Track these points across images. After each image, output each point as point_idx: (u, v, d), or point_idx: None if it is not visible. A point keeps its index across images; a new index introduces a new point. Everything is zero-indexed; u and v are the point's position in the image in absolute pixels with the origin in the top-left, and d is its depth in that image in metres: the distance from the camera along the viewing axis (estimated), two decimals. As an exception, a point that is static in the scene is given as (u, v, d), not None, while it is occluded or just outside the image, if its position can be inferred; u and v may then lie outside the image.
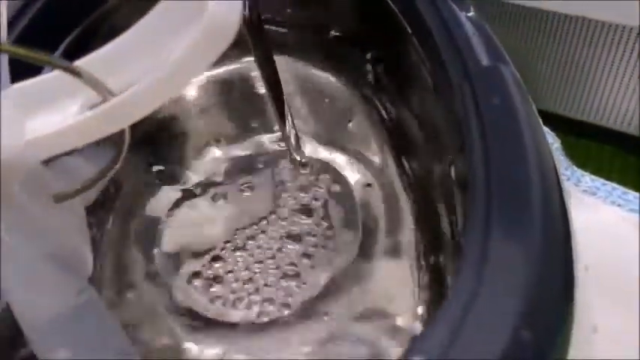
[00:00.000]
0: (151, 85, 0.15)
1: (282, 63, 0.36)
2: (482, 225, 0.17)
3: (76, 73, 0.16)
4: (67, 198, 0.19)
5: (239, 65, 0.36)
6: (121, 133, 0.18)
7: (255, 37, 0.25)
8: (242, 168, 0.35)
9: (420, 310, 0.28)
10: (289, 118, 0.28)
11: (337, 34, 0.35)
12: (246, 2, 0.24)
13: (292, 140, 0.29)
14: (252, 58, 0.29)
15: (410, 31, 0.27)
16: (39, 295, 0.18)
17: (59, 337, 0.19)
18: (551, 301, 0.17)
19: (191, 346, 0.29)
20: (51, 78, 0.17)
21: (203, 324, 0.29)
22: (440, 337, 0.15)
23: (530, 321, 0.15)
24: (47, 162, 0.23)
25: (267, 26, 0.35)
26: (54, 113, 0.17)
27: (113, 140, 0.19)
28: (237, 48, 0.35)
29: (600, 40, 0.38)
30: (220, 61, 0.36)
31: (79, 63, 0.17)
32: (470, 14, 0.25)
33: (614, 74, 0.39)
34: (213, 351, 0.29)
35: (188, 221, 0.33)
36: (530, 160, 0.18)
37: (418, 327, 0.28)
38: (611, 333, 0.30)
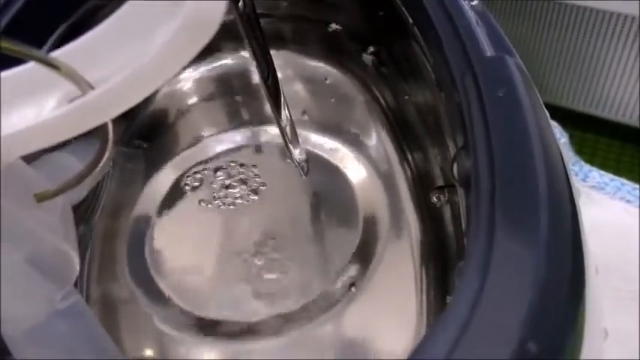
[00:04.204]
0: (131, 78, 0.14)
1: (283, 57, 0.35)
2: (486, 226, 0.16)
3: (53, 66, 0.15)
4: (49, 197, 0.18)
5: (235, 58, 0.35)
6: (105, 130, 0.18)
7: (249, 30, 0.24)
8: (237, 161, 0.34)
9: (425, 311, 0.27)
10: (286, 110, 0.27)
11: (338, 26, 0.35)
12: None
13: (289, 132, 0.28)
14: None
15: (411, 21, 0.26)
16: (18, 301, 0.18)
17: (41, 342, 0.18)
18: (559, 308, 0.15)
19: (177, 343, 0.28)
20: (27, 70, 0.16)
21: (195, 323, 0.29)
22: (440, 346, 0.14)
23: (536, 331, 0.14)
24: (34, 160, 0.23)
25: (265, 19, 0.35)
26: (31, 107, 0.16)
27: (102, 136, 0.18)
28: (233, 41, 0.35)
29: (608, 30, 0.37)
30: (216, 54, 0.36)
31: (57, 54, 0.16)
32: (474, 3, 0.24)
33: (621, 66, 0.38)
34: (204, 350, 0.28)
35: (179, 217, 0.32)
36: (537, 157, 0.17)
37: (422, 330, 0.27)
38: (622, 335, 0.29)
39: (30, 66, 0.16)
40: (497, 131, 0.18)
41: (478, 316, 0.15)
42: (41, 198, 0.18)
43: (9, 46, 0.15)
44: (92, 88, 0.15)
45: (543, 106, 0.21)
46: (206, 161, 0.34)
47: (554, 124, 0.38)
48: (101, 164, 0.18)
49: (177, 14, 0.14)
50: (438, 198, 0.27)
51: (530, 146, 0.18)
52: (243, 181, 0.33)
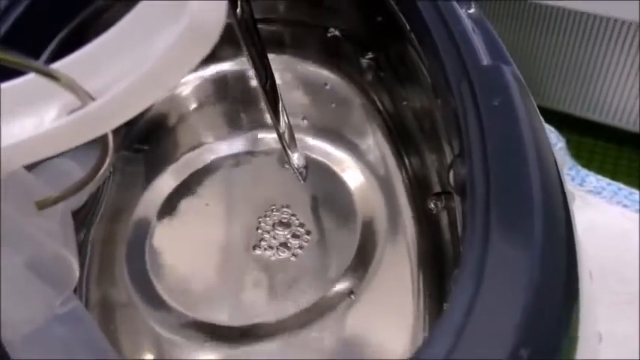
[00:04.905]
0: (131, 88, 0.15)
1: (282, 62, 0.36)
2: (481, 233, 0.17)
3: (53, 77, 0.15)
4: (49, 205, 0.18)
5: (234, 63, 0.36)
6: (106, 138, 0.18)
7: (247, 36, 0.24)
8: (236, 166, 0.34)
9: (422, 316, 0.27)
10: (284, 115, 0.27)
11: (336, 31, 0.35)
12: (238, 0, 0.24)
13: (287, 138, 0.28)
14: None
15: (408, 27, 0.26)
16: (18, 305, 0.18)
17: (40, 347, 0.18)
18: (553, 313, 0.16)
19: (176, 347, 0.28)
20: (27, 81, 0.16)
21: (193, 327, 0.29)
22: (436, 353, 0.15)
23: (531, 336, 0.15)
24: (35, 167, 0.23)
25: (265, 24, 0.35)
26: (31, 118, 0.16)
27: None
28: (232, 46, 0.35)
29: (605, 35, 0.37)
30: (216, 59, 0.36)
31: (57, 66, 0.16)
32: (471, 11, 0.24)
33: (618, 70, 0.38)
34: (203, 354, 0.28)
35: (179, 221, 0.32)
36: (532, 166, 0.17)
37: (420, 334, 0.27)
38: (620, 339, 0.29)
39: (30, 77, 0.16)
40: (492, 140, 0.18)
41: (473, 322, 0.15)
42: (42, 205, 0.19)
43: (8, 57, 0.15)
44: (92, 98, 0.15)
45: (539, 114, 0.21)
46: (206, 166, 0.34)
47: (551, 129, 0.38)
48: (101, 172, 0.18)
49: (178, 22, 0.14)
50: (435, 204, 0.28)
51: (525, 154, 0.18)
52: (242, 186, 0.33)
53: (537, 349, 0.15)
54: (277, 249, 0.31)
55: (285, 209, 0.32)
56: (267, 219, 0.32)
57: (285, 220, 0.32)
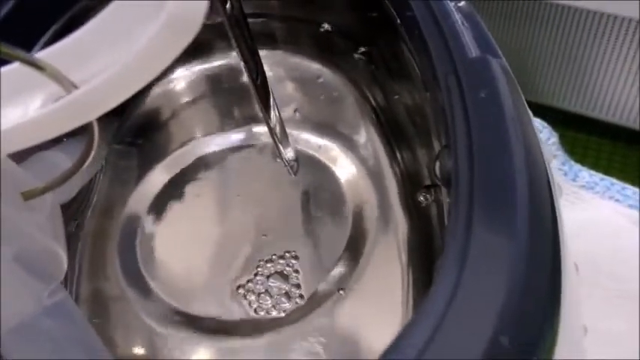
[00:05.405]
0: (114, 78, 0.15)
1: (275, 56, 0.36)
2: (464, 222, 0.17)
3: (38, 66, 0.15)
4: (36, 195, 0.18)
5: (227, 58, 0.36)
6: (91, 129, 0.18)
7: (237, 31, 0.24)
8: (228, 159, 0.34)
9: (411, 309, 0.27)
10: (275, 110, 0.27)
11: (329, 26, 0.35)
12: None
13: (278, 132, 0.28)
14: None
15: (399, 21, 0.26)
16: (5, 298, 0.18)
17: (28, 340, 0.18)
18: (534, 302, 0.16)
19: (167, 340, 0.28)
20: (12, 71, 0.16)
21: (184, 321, 0.29)
22: (415, 340, 0.15)
23: (511, 324, 0.15)
24: (25, 158, 0.23)
25: (258, 19, 0.35)
26: (16, 107, 0.16)
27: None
28: (225, 41, 0.35)
29: (599, 31, 0.37)
30: (209, 54, 0.36)
31: (41, 55, 0.16)
32: (461, 4, 0.24)
33: (612, 66, 0.38)
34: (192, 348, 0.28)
35: (171, 216, 0.32)
36: (516, 157, 0.17)
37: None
38: (604, 333, 0.29)
39: (15, 66, 0.16)
40: (477, 131, 0.18)
41: (454, 308, 0.15)
42: (29, 196, 0.19)
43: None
44: (76, 87, 0.15)
45: (527, 107, 0.21)
46: (198, 160, 0.34)
47: (544, 124, 0.38)
48: (87, 163, 0.18)
49: (159, 15, 0.14)
50: (425, 197, 0.28)
51: (510, 145, 0.18)
52: (234, 180, 0.33)
53: (518, 337, 0.15)
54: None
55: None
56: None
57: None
